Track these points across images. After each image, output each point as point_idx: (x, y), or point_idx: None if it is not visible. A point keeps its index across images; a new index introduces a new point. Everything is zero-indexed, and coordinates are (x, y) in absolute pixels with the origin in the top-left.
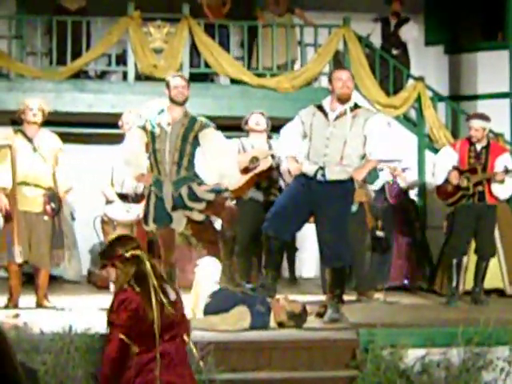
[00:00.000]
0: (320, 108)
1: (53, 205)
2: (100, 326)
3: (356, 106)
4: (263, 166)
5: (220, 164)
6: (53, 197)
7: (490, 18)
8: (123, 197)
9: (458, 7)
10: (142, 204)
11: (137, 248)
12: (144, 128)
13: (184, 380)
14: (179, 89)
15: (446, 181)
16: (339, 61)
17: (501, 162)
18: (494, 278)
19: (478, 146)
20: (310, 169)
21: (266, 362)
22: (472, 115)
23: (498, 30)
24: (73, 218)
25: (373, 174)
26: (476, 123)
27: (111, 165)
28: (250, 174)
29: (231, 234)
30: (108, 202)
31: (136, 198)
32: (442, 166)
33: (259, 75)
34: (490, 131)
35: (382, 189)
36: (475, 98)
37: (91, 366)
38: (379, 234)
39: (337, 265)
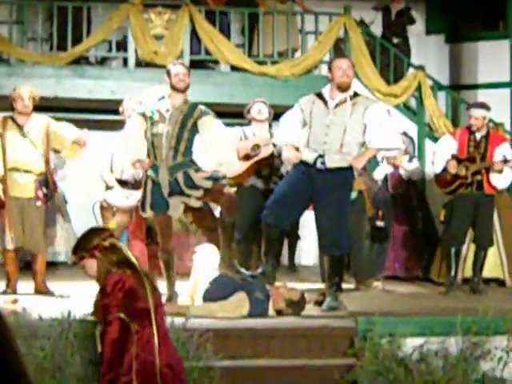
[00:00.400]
0: (320, 96)
1: (45, 190)
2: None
3: (356, 95)
4: (264, 153)
5: (218, 151)
6: (45, 182)
7: (491, 8)
8: (123, 183)
9: None
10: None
11: (111, 236)
12: (144, 115)
13: (178, 362)
14: (180, 76)
15: (445, 169)
16: (340, 49)
17: (500, 152)
18: (493, 267)
19: (478, 135)
20: (309, 156)
21: (264, 350)
22: (472, 104)
23: (499, 19)
24: (65, 202)
25: (373, 162)
26: (476, 112)
27: (111, 151)
28: (251, 162)
29: (230, 221)
30: (107, 187)
31: (135, 185)
32: (442, 154)
33: (260, 63)
34: (490, 120)
35: (385, 179)
36: (476, 87)
37: (89, 351)
38: (379, 223)
39: (335, 253)
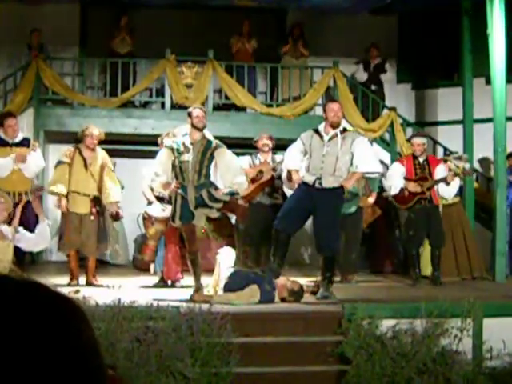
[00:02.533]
0: (316, 131)
1: (97, 208)
2: (142, 299)
3: (344, 130)
4: (266, 177)
5: (231, 175)
6: (97, 202)
7: (448, 63)
8: (160, 199)
9: (423, 54)
10: None
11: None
12: (171, 148)
13: None
14: (199, 118)
15: (401, 190)
16: (330, 94)
17: (440, 170)
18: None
19: (421, 159)
20: (309, 179)
21: (271, 329)
22: (414, 134)
23: (454, 72)
24: (117, 219)
25: (375, 184)
26: (418, 140)
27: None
28: (256, 184)
29: (242, 228)
30: (149, 202)
31: (170, 200)
32: (396, 179)
33: (267, 105)
34: (446, 149)
35: None
36: (436, 124)
37: (135, 330)
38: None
39: (328, 253)
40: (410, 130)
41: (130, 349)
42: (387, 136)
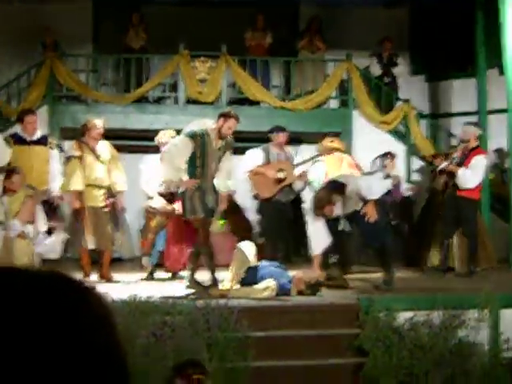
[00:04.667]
0: None
1: (111, 199)
2: (158, 294)
3: None
4: (290, 179)
5: (228, 178)
6: (110, 193)
7: (461, 54)
8: (161, 194)
9: (436, 45)
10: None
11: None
12: (193, 138)
13: None
14: (231, 131)
15: None
16: (343, 87)
17: (476, 159)
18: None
19: (470, 147)
20: None
21: (288, 323)
22: (467, 122)
23: (468, 63)
24: (123, 210)
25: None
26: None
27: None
28: (281, 185)
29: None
30: (149, 197)
31: (171, 197)
32: None
33: (281, 99)
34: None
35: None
36: (450, 115)
37: (151, 325)
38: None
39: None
40: (423, 122)
41: (147, 344)
42: (401, 128)
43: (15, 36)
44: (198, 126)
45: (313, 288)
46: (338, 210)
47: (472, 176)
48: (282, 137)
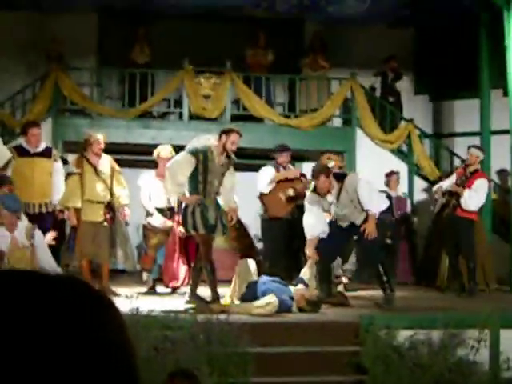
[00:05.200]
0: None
1: (111, 214)
2: (159, 309)
3: (339, 177)
4: (301, 192)
5: (232, 195)
6: (110, 208)
7: (466, 75)
8: (159, 210)
9: (440, 65)
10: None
11: None
12: (195, 154)
13: None
14: (235, 145)
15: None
16: (347, 106)
17: (477, 183)
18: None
19: (471, 169)
20: (343, 224)
21: (289, 339)
22: (472, 145)
23: (472, 83)
24: (126, 224)
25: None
26: (474, 151)
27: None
28: (293, 203)
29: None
30: (148, 214)
31: (169, 213)
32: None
33: (285, 116)
34: (464, 161)
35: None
36: (453, 135)
37: (153, 339)
38: (388, 241)
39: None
40: (427, 142)
41: (148, 358)
42: (404, 147)
43: (20, 48)
44: (200, 142)
45: (314, 305)
46: (331, 198)
47: (476, 198)
48: (285, 156)
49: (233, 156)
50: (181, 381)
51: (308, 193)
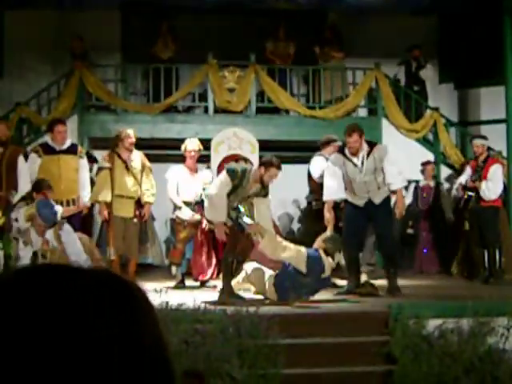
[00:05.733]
0: (345, 156)
1: (141, 210)
2: (189, 302)
3: (370, 145)
4: None
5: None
6: (141, 205)
7: (490, 62)
8: (187, 203)
9: (465, 53)
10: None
11: None
12: (233, 178)
13: None
14: (273, 178)
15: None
16: (372, 96)
17: (491, 170)
18: None
19: (480, 160)
20: (360, 202)
21: (318, 330)
22: (472, 136)
23: (496, 70)
24: (153, 219)
25: None
26: (475, 141)
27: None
28: None
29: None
30: (176, 207)
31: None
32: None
33: (310, 107)
34: (491, 149)
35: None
36: (479, 123)
37: (183, 333)
38: (409, 231)
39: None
40: (453, 130)
41: (179, 351)
42: (430, 136)
43: (45, 46)
44: (239, 164)
45: (332, 240)
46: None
47: (494, 187)
48: (332, 148)
49: (267, 189)
50: (190, 381)
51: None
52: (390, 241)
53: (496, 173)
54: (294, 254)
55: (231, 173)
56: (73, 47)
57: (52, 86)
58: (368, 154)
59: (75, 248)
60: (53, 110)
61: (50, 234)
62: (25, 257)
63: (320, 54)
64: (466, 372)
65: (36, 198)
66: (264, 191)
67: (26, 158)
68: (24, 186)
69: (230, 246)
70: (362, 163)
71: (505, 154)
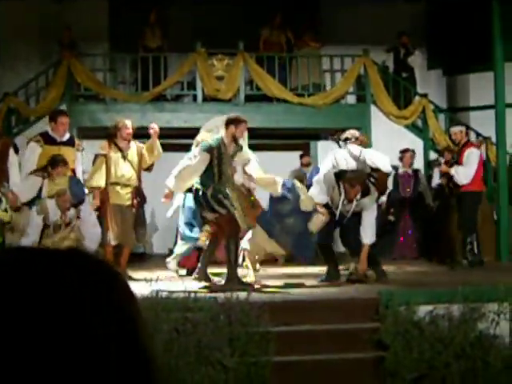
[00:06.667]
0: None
1: (138, 199)
2: (180, 291)
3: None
4: None
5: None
6: (138, 193)
7: (479, 48)
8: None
9: (453, 39)
10: None
11: None
12: (210, 151)
13: None
14: (244, 131)
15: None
16: (361, 82)
17: (464, 155)
18: None
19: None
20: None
21: (308, 318)
22: (450, 126)
23: (485, 56)
24: (142, 205)
25: None
26: (452, 129)
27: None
28: None
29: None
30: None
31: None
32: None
33: (299, 95)
34: (480, 135)
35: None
36: (467, 109)
37: (174, 321)
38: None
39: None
40: (442, 117)
41: (169, 340)
42: (419, 122)
43: (32, 36)
44: (212, 138)
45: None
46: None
47: (464, 171)
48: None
49: (239, 142)
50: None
51: None
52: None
53: (469, 157)
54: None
55: (206, 148)
56: (61, 37)
57: (40, 75)
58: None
59: (90, 226)
60: (41, 100)
61: (70, 212)
62: (36, 225)
63: (296, 42)
64: (456, 357)
65: (52, 173)
66: (239, 147)
67: (16, 149)
68: (15, 177)
69: (232, 233)
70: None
71: (494, 139)
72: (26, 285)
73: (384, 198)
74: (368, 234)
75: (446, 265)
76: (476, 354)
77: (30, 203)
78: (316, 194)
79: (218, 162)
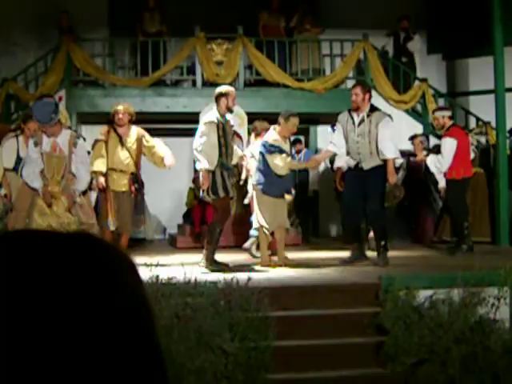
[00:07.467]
0: (349, 112)
1: (136, 185)
2: (180, 276)
3: (372, 109)
4: None
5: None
6: (135, 179)
7: (479, 32)
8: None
9: (453, 24)
10: None
11: None
12: (215, 122)
13: None
14: (235, 100)
15: None
16: (360, 67)
17: (442, 143)
18: None
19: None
20: (351, 163)
21: (308, 302)
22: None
23: (485, 40)
24: (139, 190)
25: None
26: (435, 114)
27: None
28: None
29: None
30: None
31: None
32: None
33: (298, 80)
34: (479, 119)
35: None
36: (467, 94)
37: (174, 307)
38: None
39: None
40: (441, 101)
41: (170, 325)
42: (419, 107)
43: (31, 21)
44: (213, 114)
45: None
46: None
47: (438, 160)
48: None
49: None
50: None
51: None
52: (377, 209)
53: (444, 146)
54: None
55: (211, 121)
56: (60, 22)
57: (39, 61)
58: (368, 116)
59: (84, 164)
60: (40, 86)
61: (63, 140)
62: (35, 159)
63: (296, 26)
64: (456, 342)
65: (24, 128)
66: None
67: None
68: (8, 164)
69: (221, 217)
70: (360, 123)
71: (494, 124)
72: (37, 273)
73: (401, 160)
74: (387, 147)
75: (446, 250)
76: (476, 338)
77: (14, 168)
78: (335, 142)
79: (223, 134)
